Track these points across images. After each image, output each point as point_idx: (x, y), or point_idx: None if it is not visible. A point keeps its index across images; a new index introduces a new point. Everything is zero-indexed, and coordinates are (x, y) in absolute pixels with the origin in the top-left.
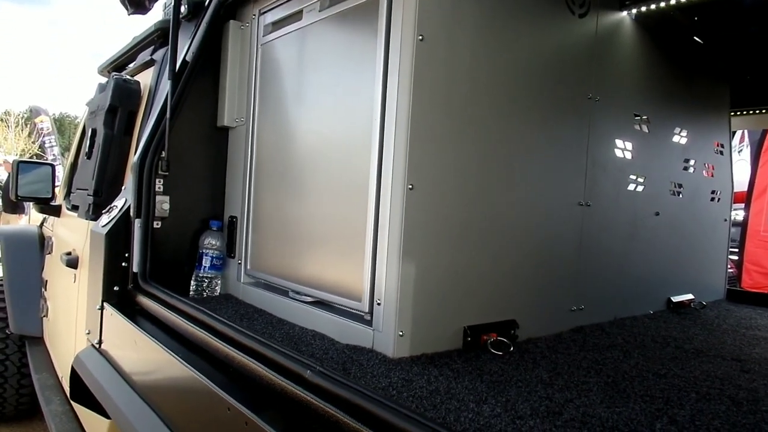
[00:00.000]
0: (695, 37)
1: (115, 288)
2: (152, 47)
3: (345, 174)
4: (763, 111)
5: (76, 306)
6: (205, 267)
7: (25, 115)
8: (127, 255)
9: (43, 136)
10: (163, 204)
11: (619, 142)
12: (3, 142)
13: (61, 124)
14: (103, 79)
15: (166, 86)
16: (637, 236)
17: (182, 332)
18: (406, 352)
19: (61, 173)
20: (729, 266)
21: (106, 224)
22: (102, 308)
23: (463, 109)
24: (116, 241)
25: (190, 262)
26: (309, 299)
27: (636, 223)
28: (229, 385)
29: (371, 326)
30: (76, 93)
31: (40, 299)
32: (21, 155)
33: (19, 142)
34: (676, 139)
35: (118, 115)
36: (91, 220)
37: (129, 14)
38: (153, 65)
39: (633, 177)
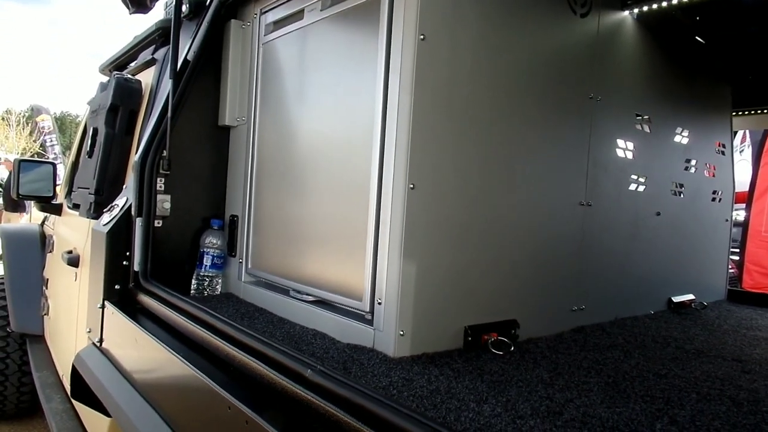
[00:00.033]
0: (697, 37)
1: (116, 286)
2: (153, 46)
3: (346, 173)
4: (765, 111)
5: (77, 304)
6: (206, 266)
7: (27, 114)
8: (128, 254)
9: (45, 135)
10: (164, 203)
11: (620, 142)
12: (4, 141)
13: (62, 123)
14: (105, 78)
15: (167, 85)
16: (638, 236)
17: (183, 331)
18: (406, 352)
19: (62, 172)
20: (730, 266)
21: (108, 223)
22: (103, 307)
23: (464, 108)
24: (117, 239)
25: (191, 261)
26: (310, 298)
27: (637, 223)
28: (229, 383)
29: (372, 326)
30: (76, 93)
31: (41, 297)
32: (22, 154)
33: (20, 141)
34: (677, 139)
35: (119, 114)
36: (93, 218)
37: (130, 13)
38: (154, 64)
39: (634, 177)
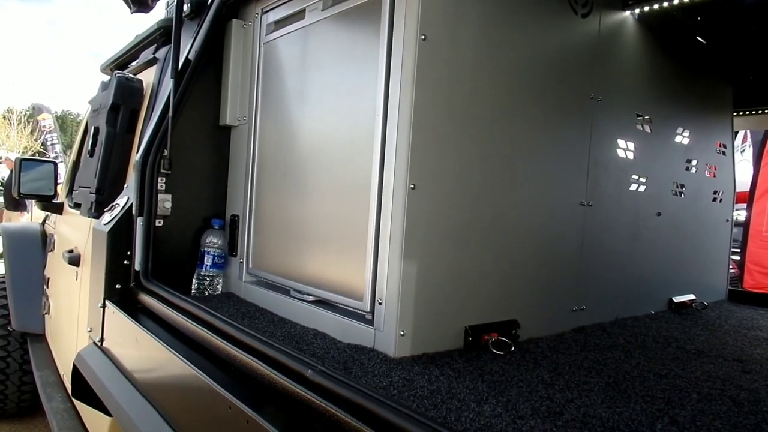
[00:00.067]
0: (698, 37)
1: (117, 286)
2: (155, 45)
3: (347, 173)
4: (766, 111)
5: (78, 303)
6: (206, 265)
7: (28, 113)
8: (129, 253)
9: (46, 134)
10: (165, 202)
11: (621, 142)
12: (5, 140)
13: (63, 122)
14: (106, 78)
15: (168, 85)
16: (639, 236)
17: (184, 330)
18: (407, 352)
19: (63, 171)
20: (731, 266)
21: (109, 222)
22: (104, 306)
23: (465, 108)
24: (118, 239)
25: (191, 261)
26: (310, 298)
27: (638, 224)
28: (230, 383)
29: (372, 326)
30: (77, 91)
31: (42, 296)
32: (23, 153)
33: (21, 140)
34: (678, 139)
35: (120, 114)
36: (94, 217)
37: (131, 12)
38: (155, 63)
39: (635, 177)
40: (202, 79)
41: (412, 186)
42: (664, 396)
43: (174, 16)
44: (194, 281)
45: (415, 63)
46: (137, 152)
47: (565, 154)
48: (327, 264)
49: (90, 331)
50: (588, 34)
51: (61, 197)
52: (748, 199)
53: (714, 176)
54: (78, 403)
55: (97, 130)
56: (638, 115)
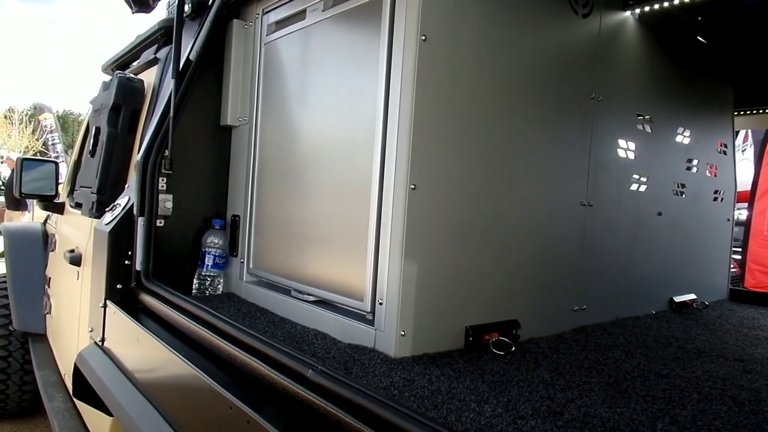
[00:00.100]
0: (699, 37)
1: (118, 286)
2: (156, 46)
3: (347, 173)
4: (767, 111)
5: (79, 303)
6: (207, 265)
7: (29, 113)
8: (130, 253)
9: (47, 134)
10: (166, 202)
11: (622, 142)
12: (7, 139)
13: (65, 122)
14: (108, 77)
15: (169, 85)
16: (640, 236)
17: (184, 330)
18: (407, 352)
19: (64, 171)
20: (732, 266)
21: (110, 222)
22: (105, 306)
23: (465, 109)
24: (119, 239)
25: (192, 261)
26: (311, 298)
27: (639, 223)
28: (230, 383)
29: (373, 326)
30: (79, 91)
31: (44, 296)
32: (25, 152)
33: (22, 139)
34: (679, 139)
35: (121, 114)
36: (95, 217)
37: (133, 12)
38: (156, 64)
39: (636, 177)
40: (203, 80)
41: (413, 186)
42: (664, 396)
43: (175, 16)
44: (195, 281)
45: (415, 63)
46: (138, 152)
47: (565, 154)
48: (328, 264)
49: (91, 331)
50: (588, 34)
51: (63, 197)
52: (749, 198)
53: (715, 176)
54: (79, 403)
55: (98, 130)
56: (639, 115)
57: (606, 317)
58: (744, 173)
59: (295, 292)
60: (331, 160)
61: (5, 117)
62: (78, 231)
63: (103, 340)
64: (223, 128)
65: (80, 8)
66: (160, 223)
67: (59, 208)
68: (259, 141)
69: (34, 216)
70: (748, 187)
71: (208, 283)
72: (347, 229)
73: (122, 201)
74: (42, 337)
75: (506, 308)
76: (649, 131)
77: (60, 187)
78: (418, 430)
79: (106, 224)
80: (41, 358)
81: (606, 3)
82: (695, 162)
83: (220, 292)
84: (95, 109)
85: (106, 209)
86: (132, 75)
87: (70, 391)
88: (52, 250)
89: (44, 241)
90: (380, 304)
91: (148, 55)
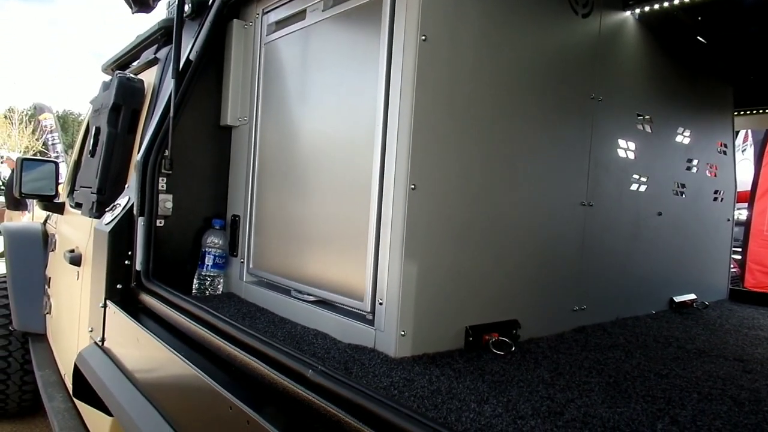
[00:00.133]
0: (699, 37)
1: (118, 286)
2: (156, 46)
3: (347, 173)
4: (767, 111)
5: (79, 303)
6: (207, 265)
7: (29, 113)
8: (130, 253)
9: (47, 134)
10: (166, 202)
11: (622, 142)
12: (7, 139)
13: (65, 122)
14: (108, 77)
15: (169, 85)
16: (640, 236)
17: (184, 330)
18: (407, 352)
19: (64, 171)
20: (732, 266)
21: (110, 222)
22: (105, 306)
23: (465, 109)
24: (119, 239)
25: (192, 261)
26: (311, 298)
27: (638, 223)
28: (230, 383)
29: (373, 326)
30: (79, 91)
31: (44, 296)
32: (25, 152)
33: (22, 140)
34: (679, 139)
35: (121, 114)
36: (95, 217)
37: (133, 12)
38: (156, 64)
39: (636, 177)
40: (203, 80)
41: (413, 186)
42: (664, 396)
43: (175, 16)
44: (195, 281)
45: (415, 63)
46: (138, 152)
47: (565, 154)
48: (328, 264)
49: (91, 331)
50: (588, 34)
51: (63, 197)
52: (749, 198)
53: (715, 176)
54: (79, 403)
55: (98, 130)
56: (639, 115)
57: (606, 317)
58: (744, 173)
59: (295, 292)
60: (331, 160)
61: (5, 117)
62: (78, 231)
63: (103, 340)
64: (223, 128)
65: (80, 8)
66: (160, 223)
67: (59, 208)
68: (259, 141)
69: (34, 216)
70: (748, 187)
71: (208, 283)
72: (347, 229)
73: (122, 201)
74: (42, 337)
75: (506, 308)
76: (649, 131)
77: (60, 187)
78: (418, 430)
79: (106, 224)
80: (41, 358)
81: (606, 3)
82: (695, 162)
83: (220, 292)
84: (95, 109)
85: (106, 209)
86: (132, 75)
87: (70, 391)
88: (52, 250)
89: (44, 241)
90: (380, 304)
91: (148, 55)
